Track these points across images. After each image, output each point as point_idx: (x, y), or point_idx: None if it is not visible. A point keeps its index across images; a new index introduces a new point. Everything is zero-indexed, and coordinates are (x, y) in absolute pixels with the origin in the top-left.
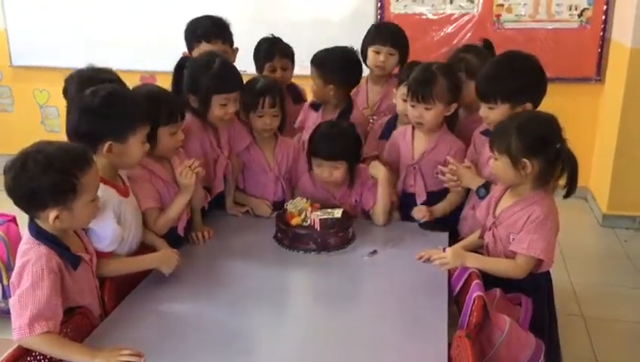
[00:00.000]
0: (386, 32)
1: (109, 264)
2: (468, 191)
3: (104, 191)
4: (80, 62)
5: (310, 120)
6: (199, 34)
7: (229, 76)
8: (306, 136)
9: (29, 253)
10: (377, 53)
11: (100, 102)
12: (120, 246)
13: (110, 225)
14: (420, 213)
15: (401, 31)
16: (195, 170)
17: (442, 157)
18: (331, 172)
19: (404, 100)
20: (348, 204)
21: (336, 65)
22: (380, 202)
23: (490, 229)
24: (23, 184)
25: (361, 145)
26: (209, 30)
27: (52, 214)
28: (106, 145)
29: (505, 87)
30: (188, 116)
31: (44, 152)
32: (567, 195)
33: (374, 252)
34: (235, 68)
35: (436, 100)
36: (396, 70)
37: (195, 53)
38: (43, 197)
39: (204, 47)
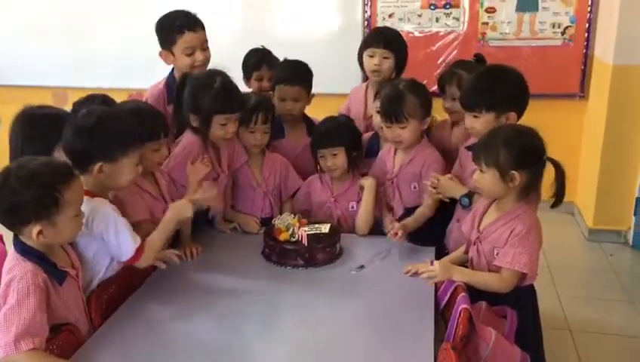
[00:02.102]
0: (380, 35)
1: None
2: (453, 203)
3: (101, 202)
4: (68, 82)
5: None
6: (180, 24)
7: (230, 96)
8: None
9: (15, 270)
10: (371, 56)
11: (94, 122)
12: (112, 265)
13: (124, 229)
14: (393, 235)
15: (396, 34)
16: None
17: (417, 170)
18: (332, 160)
19: (379, 112)
20: (344, 208)
21: (310, 74)
22: (362, 209)
23: (474, 244)
24: (4, 199)
25: (359, 135)
26: (190, 19)
27: (35, 229)
28: (97, 165)
29: (489, 96)
30: (190, 135)
31: (26, 168)
32: (555, 204)
33: (362, 267)
34: (236, 87)
35: (409, 118)
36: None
37: (179, 45)
38: (25, 211)
39: (188, 36)
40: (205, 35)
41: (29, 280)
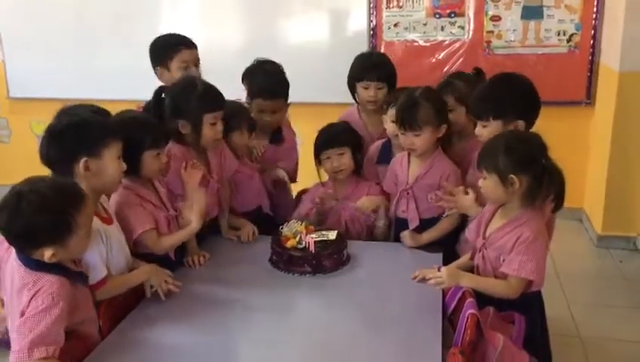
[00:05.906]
0: (372, 67)
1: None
2: (463, 217)
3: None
4: (77, 93)
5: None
6: (177, 41)
7: (215, 94)
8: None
9: (40, 283)
10: (366, 88)
11: (67, 123)
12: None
13: (95, 252)
14: (406, 240)
15: (386, 61)
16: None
17: (435, 181)
18: (339, 160)
19: (393, 122)
20: (351, 211)
21: (284, 81)
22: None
23: (480, 251)
24: (17, 225)
25: (360, 138)
26: (185, 37)
27: (48, 253)
28: (82, 162)
29: (496, 105)
30: (172, 145)
31: (37, 192)
32: (554, 210)
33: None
34: (215, 86)
35: (423, 126)
36: None
37: (175, 60)
38: (39, 238)
39: (184, 53)
40: (198, 54)
41: (54, 292)
